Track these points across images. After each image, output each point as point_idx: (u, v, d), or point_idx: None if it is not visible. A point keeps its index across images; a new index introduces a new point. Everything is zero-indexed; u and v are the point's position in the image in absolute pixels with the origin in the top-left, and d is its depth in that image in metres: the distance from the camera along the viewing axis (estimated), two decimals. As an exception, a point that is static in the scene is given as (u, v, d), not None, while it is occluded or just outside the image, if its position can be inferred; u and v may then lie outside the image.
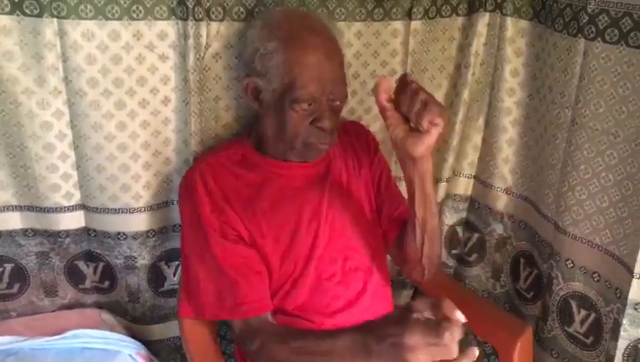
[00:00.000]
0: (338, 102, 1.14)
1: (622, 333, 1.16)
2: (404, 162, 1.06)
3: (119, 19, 1.15)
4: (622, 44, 1.11)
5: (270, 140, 1.18)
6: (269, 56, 1.11)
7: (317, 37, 1.11)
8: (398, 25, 1.35)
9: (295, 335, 1.07)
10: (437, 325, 0.82)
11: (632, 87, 1.11)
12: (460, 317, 0.82)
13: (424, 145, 0.98)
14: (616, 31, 1.12)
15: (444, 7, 1.38)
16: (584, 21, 1.16)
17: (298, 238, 1.16)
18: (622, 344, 1.17)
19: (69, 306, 1.41)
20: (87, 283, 1.40)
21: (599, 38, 1.14)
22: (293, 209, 1.18)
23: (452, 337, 0.81)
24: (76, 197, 1.29)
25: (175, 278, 1.43)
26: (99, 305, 1.43)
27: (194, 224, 1.14)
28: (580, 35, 1.18)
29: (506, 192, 1.50)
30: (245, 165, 1.20)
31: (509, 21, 1.38)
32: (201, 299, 1.13)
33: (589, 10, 1.15)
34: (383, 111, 0.99)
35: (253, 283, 1.10)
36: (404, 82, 0.96)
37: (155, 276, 1.41)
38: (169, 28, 1.19)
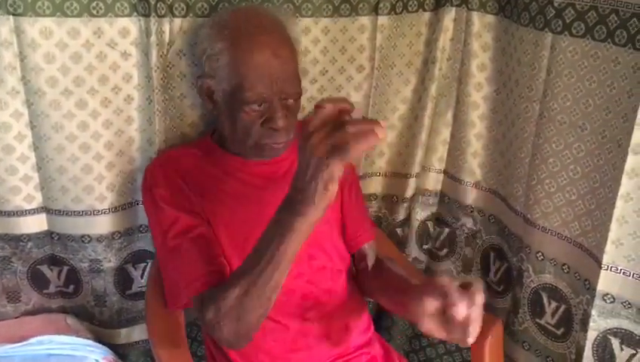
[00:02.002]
0: (291, 100, 1.11)
1: (591, 324, 1.18)
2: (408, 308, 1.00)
3: (79, 16, 1.11)
4: (588, 38, 1.12)
5: (228, 138, 1.17)
6: (215, 57, 1.09)
7: (264, 35, 1.08)
8: (365, 20, 1.34)
9: (232, 278, 0.97)
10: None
11: (598, 81, 1.12)
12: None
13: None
14: (582, 24, 1.12)
15: (410, 3, 1.38)
16: (551, 15, 1.17)
17: (252, 239, 1.14)
18: (591, 335, 1.18)
19: (33, 312, 1.37)
20: (52, 288, 1.36)
21: (566, 32, 1.15)
22: (251, 209, 1.15)
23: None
24: (37, 200, 1.25)
25: (143, 280, 1.40)
26: (64, 310, 1.39)
27: (155, 211, 1.12)
28: (547, 29, 1.18)
29: (476, 186, 1.50)
30: (207, 160, 1.18)
31: (475, 16, 1.38)
32: (168, 289, 1.13)
33: (556, 4, 1.15)
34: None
35: (208, 258, 1.07)
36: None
37: (122, 279, 1.37)
38: (131, 25, 1.16)
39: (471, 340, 0.91)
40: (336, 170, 0.76)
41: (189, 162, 1.17)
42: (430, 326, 0.93)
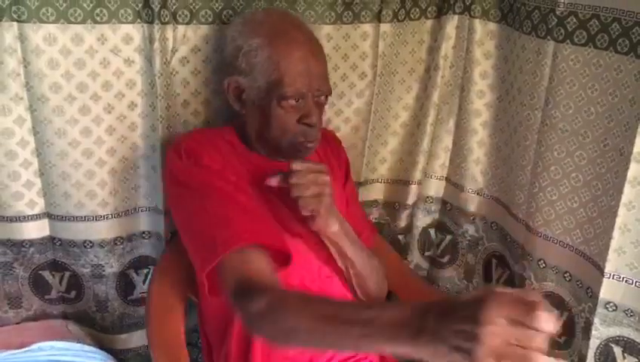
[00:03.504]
0: (323, 98, 1.13)
1: (593, 332, 1.17)
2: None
3: (82, 22, 1.12)
4: (590, 46, 1.12)
5: (255, 139, 1.16)
6: (253, 53, 1.09)
7: (301, 33, 1.11)
8: (367, 27, 1.34)
9: (317, 300, 0.87)
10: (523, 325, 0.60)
11: (600, 89, 1.12)
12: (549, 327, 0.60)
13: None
14: (584, 33, 1.13)
15: (412, 10, 1.38)
16: (553, 23, 1.17)
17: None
18: (593, 343, 1.18)
19: (35, 318, 1.37)
20: (53, 294, 1.36)
21: (568, 40, 1.15)
22: (270, 208, 1.13)
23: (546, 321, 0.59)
24: (40, 206, 1.25)
25: (144, 286, 1.40)
26: (65, 316, 1.39)
27: (189, 179, 1.06)
28: (549, 37, 1.19)
29: (478, 194, 1.50)
30: (232, 151, 1.15)
31: (478, 24, 1.39)
32: (206, 244, 1.01)
33: (558, 13, 1.15)
34: None
35: (256, 217, 1.03)
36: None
37: (124, 284, 1.38)
38: (134, 31, 1.16)
39: None
40: None
41: (218, 144, 1.14)
42: None
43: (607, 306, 1.15)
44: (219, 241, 0.96)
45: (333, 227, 1.08)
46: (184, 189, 1.07)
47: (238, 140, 1.18)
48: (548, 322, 0.58)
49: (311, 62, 1.09)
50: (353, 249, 1.14)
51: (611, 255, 1.11)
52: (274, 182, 1.03)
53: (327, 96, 1.15)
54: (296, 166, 1.01)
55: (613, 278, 1.13)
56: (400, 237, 1.61)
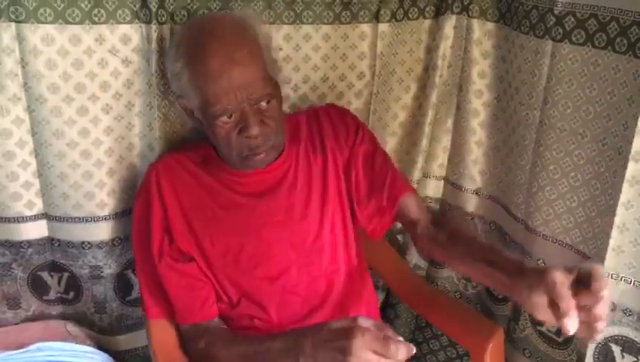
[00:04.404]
0: (263, 103, 1.06)
1: (592, 332, 1.17)
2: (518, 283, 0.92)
3: (80, 23, 1.12)
4: (588, 45, 1.12)
5: (220, 152, 1.17)
6: (178, 77, 1.07)
7: (216, 42, 1.03)
8: (365, 28, 1.34)
9: (239, 339, 1.10)
10: (384, 338, 0.80)
11: (598, 88, 1.12)
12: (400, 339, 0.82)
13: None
14: (582, 32, 1.12)
15: (411, 10, 1.38)
16: (551, 23, 1.17)
17: (250, 253, 1.16)
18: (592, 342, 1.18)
19: (33, 318, 1.37)
20: (52, 295, 1.36)
21: (566, 40, 1.15)
22: (244, 219, 1.15)
23: (397, 351, 0.79)
24: (38, 206, 1.25)
25: (143, 287, 1.40)
26: (64, 317, 1.39)
27: (142, 226, 1.16)
28: (547, 37, 1.18)
29: (476, 193, 1.50)
30: (204, 167, 1.18)
31: (476, 23, 1.38)
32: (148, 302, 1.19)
33: (556, 12, 1.15)
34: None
35: (196, 299, 1.14)
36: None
37: (122, 285, 1.38)
38: (132, 31, 1.16)
39: (596, 337, 0.82)
40: None
41: (186, 170, 1.17)
42: (539, 315, 0.85)
43: (606, 305, 1.15)
44: (177, 309, 1.16)
45: None
46: (138, 230, 1.19)
47: (214, 154, 1.19)
48: (400, 352, 0.79)
49: (233, 73, 1.01)
50: None
51: (610, 254, 1.11)
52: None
53: (269, 101, 1.07)
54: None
55: (611, 278, 1.12)
56: (399, 236, 1.61)
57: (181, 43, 1.08)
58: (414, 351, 0.80)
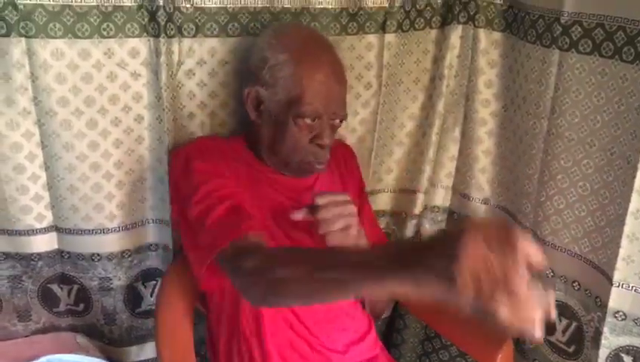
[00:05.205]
0: (337, 121, 1.15)
1: (603, 342, 1.17)
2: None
3: (89, 37, 1.13)
4: (595, 55, 1.12)
5: (265, 150, 1.17)
6: (279, 67, 1.11)
7: (327, 55, 1.13)
8: (372, 38, 1.35)
9: (304, 250, 0.98)
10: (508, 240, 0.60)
11: (606, 97, 1.12)
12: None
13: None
14: (589, 41, 1.13)
15: (417, 20, 1.38)
16: (558, 32, 1.17)
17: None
18: (603, 352, 1.17)
19: (43, 330, 1.37)
20: (62, 307, 1.37)
21: (573, 49, 1.16)
22: (273, 218, 1.15)
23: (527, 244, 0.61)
24: (48, 219, 1.26)
25: (152, 298, 1.40)
26: (74, 329, 1.39)
27: (191, 186, 1.08)
28: (554, 46, 1.19)
29: (484, 203, 1.50)
30: (238, 158, 1.18)
31: (482, 33, 1.39)
32: (198, 249, 1.06)
33: (563, 22, 1.16)
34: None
35: (246, 214, 1.04)
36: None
37: (132, 297, 1.38)
38: (141, 45, 1.17)
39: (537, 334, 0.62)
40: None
41: (224, 151, 1.17)
42: None
43: (617, 315, 1.14)
44: (219, 236, 1.00)
45: None
46: (185, 193, 1.09)
47: (245, 148, 1.20)
48: (530, 250, 0.60)
49: (332, 85, 1.11)
50: None
51: (620, 264, 1.11)
52: (299, 216, 1.02)
53: (341, 120, 1.16)
54: (322, 200, 1.00)
55: (622, 287, 1.12)
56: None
57: (292, 39, 1.13)
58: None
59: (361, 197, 1.34)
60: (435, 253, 0.65)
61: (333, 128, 1.14)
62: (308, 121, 1.10)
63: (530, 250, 0.60)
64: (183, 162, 1.13)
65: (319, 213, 1.00)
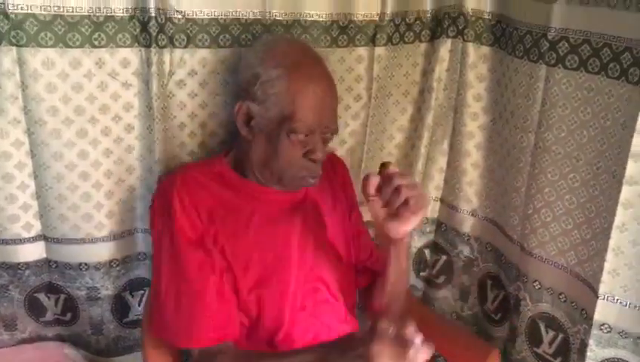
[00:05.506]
0: (329, 135, 1.14)
1: (588, 354, 1.18)
2: (384, 238, 1.07)
3: (80, 47, 1.13)
4: (582, 70, 1.14)
5: (254, 166, 1.15)
6: (271, 83, 1.09)
7: (319, 69, 1.13)
8: (362, 51, 1.36)
9: (255, 356, 1.10)
10: (404, 341, 0.87)
11: (592, 112, 1.14)
12: (418, 340, 0.87)
13: (402, 230, 1.01)
14: (576, 57, 1.14)
15: (406, 34, 1.40)
16: (545, 48, 1.19)
17: (270, 268, 1.15)
18: (589, 364, 1.18)
19: (30, 340, 1.36)
20: (49, 316, 1.36)
21: (560, 65, 1.17)
22: (264, 235, 1.16)
23: (416, 354, 0.86)
24: (36, 228, 1.25)
25: (140, 308, 1.40)
26: (61, 338, 1.39)
27: (168, 244, 1.10)
28: (541, 61, 1.20)
29: (472, 215, 1.51)
30: (221, 183, 1.17)
31: (471, 47, 1.41)
32: (170, 324, 1.10)
33: (550, 37, 1.17)
34: (366, 197, 1.03)
35: (222, 311, 1.09)
36: (384, 173, 1.00)
37: (120, 306, 1.37)
38: (132, 55, 1.17)
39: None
40: None
41: (204, 188, 1.15)
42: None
43: (602, 327, 1.15)
44: (182, 334, 1.09)
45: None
46: (159, 246, 1.13)
47: (229, 169, 1.19)
48: (419, 356, 0.87)
49: (325, 99, 1.10)
50: (407, 264, 1.18)
51: (605, 276, 1.12)
52: (374, 182, 1.02)
53: (333, 134, 1.16)
54: (395, 168, 1.01)
55: (607, 300, 1.13)
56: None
57: (283, 54, 1.12)
58: (433, 351, 0.89)
59: (354, 210, 1.34)
60: (349, 355, 0.94)
61: (325, 142, 1.14)
62: (301, 136, 1.09)
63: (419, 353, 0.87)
64: (165, 210, 1.11)
65: (401, 179, 0.98)
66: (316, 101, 1.09)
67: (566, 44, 1.16)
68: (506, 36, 1.32)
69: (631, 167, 1.05)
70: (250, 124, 1.13)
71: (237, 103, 1.14)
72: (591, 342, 1.17)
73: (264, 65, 1.10)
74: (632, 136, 1.04)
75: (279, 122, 1.09)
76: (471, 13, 1.39)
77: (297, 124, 1.08)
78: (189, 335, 1.08)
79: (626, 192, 1.07)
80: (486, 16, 1.37)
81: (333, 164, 1.33)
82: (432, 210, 1.60)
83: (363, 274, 1.32)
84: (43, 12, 1.09)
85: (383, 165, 1.01)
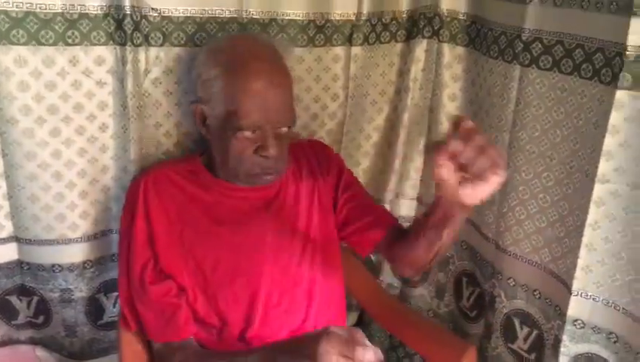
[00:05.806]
0: (284, 129, 1.11)
1: (562, 349, 1.20)
2: (448, 205, 0.97)
3: (54, 44, 1.11)
4: (555, 71, 1.16)
5: (218, 164, 1.16)
6: (210, 82, 1.09)
7: (262, 63, 1.09)
8: (339, 50, 1.36)
9: (213, 355, 1.12)
10: (352, 342, 0.86)
11: (565, 112, 1.16)
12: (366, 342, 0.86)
13: (483, 194, 0.88)
14: (549, 58, 1.16)
15: (383, 34, 1.40)
16: (519, 48, 1.20)
17: (241, 266, 1.15)
18: (562, 360, 1.20)
19: (1, 344, 1.34)
20: (21, 319, 1.34)
21: (534, 65, 1.19)
22: (237, 234, 1.16)
23: (364, 355, 0.84)
24: (8, 229, 1.23)
25: (114, 310, 1.38)
26: (33, 341, 1.36)
27: (127, 239, 1.14)
28: (515, 62, 1.22)
29: (448, 213, 1.52)
30: (195, 181, 1.17)
31: (446, 47, 1.42)
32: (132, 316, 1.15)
33: (524, 38, 1.19)
34: (438, 166, 0.87)
35: (172, 319, 1.11)
36: (457, 126, 0.85)
37: (94, 308, 1.35)
38: (107, 53, 1.16)
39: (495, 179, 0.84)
40: None
41: (175, 185, 1.15)
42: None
43: (576, 323, 1.17)
44: (152, 327, 1.13)
45: None
46: (120, 243, 1.18)
47: (202, 168, 1.19)
48: (366, 356, 0.83)
49: (269, 94, 1.07)
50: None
51: (578, 273, 1.14)
52: (470, 123, 0.85)
53: (290, 127, 1.13)
54: (469, 121, 0.85)
55: (580, 296, 1.15)
56: (372, 256, 1.62)
57: (222, 52, 1.11)
58: (382, 357, 0.86)
59: (347, 183, 1.30)
60: (298, 355, 0.92)
61: (279, 137, 1.10)
62: (248, 133, 1.07)
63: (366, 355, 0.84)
64: (129, 211, 1.14)
65: (478, 138, 0.84)
66: (258, 97, 1.06)
67: (540, 45, 1.17)
68: (480, 37, 1.34)
69: (603, 166, 1.07)
70: (206, 124, 1.14)
71: (192, 104, 1.15)
72: (564, 337, 1.19)
73: (205, 65, 1.11)
74: (603, 136, 1.05)
75: (225, 120, 1.08)
76: (446, 14, 1.40)
77: (242, 122, 1.07)
78: (147, 330, 1.13)
79: (598, 190, 1.09)
80: (461, 17, 1.39)
81: (317, 152, 1.30)
82: (409, 208, 1.61)
83: (378, 229, 1.23)
84: (15, 9, 1.07)
85: (455, 119, 0.86)
